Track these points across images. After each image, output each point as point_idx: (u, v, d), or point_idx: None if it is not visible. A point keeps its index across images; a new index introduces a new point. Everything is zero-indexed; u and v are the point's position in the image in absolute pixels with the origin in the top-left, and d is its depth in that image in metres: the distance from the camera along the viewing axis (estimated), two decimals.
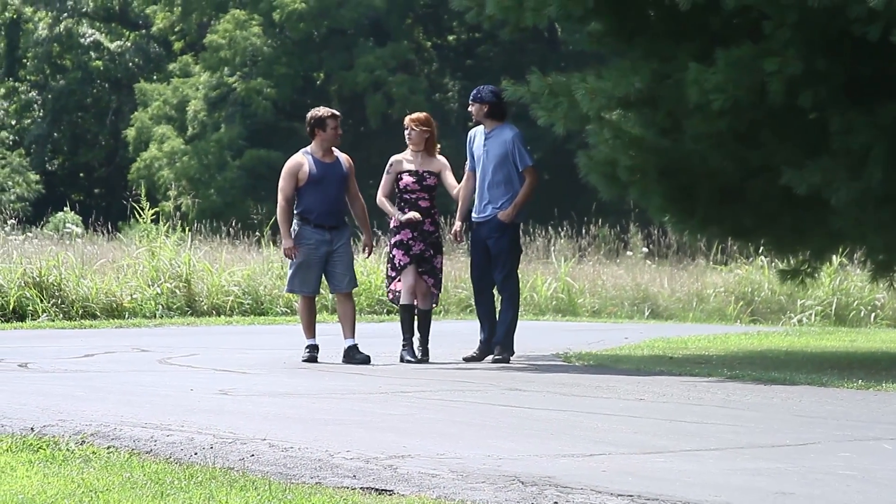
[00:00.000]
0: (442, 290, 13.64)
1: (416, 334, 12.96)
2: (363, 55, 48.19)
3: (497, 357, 12.81)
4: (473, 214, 13.05)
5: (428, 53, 52.73)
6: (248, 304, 21.28)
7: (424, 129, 12.96)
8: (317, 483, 6.15)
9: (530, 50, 48.47)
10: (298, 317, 13.18)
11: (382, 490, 5.98)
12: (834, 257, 23.95)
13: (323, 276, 12.80)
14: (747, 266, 26.85)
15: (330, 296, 19.91)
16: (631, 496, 5.71)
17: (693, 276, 27.28)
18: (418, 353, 12.87)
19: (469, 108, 13.10)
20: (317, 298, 13.61)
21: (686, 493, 5.77)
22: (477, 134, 13.10)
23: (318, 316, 13.37)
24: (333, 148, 12.80)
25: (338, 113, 12.88)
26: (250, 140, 48.05)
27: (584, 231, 28.02)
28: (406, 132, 13.00)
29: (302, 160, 12.72)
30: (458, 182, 13.08)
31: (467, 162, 13.14)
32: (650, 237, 28.60)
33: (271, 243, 24.01)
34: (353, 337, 12.63)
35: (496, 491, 5.87)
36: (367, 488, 6.01)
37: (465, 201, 13.13)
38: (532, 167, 12.91)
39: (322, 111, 12.77)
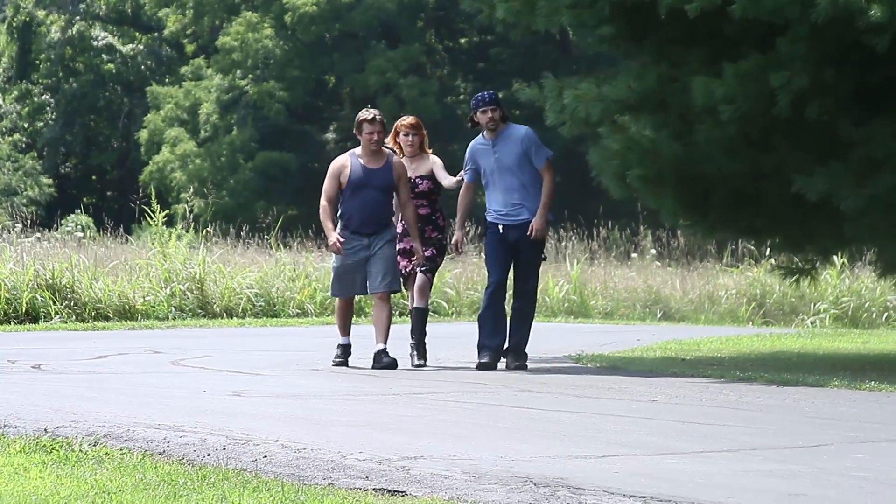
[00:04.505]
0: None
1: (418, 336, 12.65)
2: (374, 58, 48.19)
3: (517, 364, 12.38)
4: (498, 214, 12.36)
5: (439, 56, 52.71)
6: (260, 306, 21.32)
7: (422, 132, 12.60)
8: (329, 484, 6.16)
9: (542, 53, 48.43)
10: (335, 316, 12.60)
11: (395, 491, 5.99)
12: (836, 258, 23.93)
13: None
14: (757, 268, 26.84)
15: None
16: (643, 497, 5.71)
17: (704, 278, 27.27)
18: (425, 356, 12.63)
19: (488, 115, 12.21)
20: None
21: (698, 495, 5.78)
22: (478, 146, 12.44)
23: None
24: (394, 151, 12.27)
25: (378, 116, 12.12)
26: (262, 143, 48.08)
27: (594, 233, 28.02)
28: (407, 138, 12.48)
29: (345, 162, 12.12)
30: (450, 174, 12.49)
31: (465, 174, 12.46)
32: (660, 239, 28.61)
33: (281, 245, 24.04)
34: (384, 342, 12.06)
35: (508, 492, 5.87)
36: (380, 489, 6.02)
37: (464, 212, 12.64)
38: (549, 162, 12.32)
39: (362, 114, 12.14)
